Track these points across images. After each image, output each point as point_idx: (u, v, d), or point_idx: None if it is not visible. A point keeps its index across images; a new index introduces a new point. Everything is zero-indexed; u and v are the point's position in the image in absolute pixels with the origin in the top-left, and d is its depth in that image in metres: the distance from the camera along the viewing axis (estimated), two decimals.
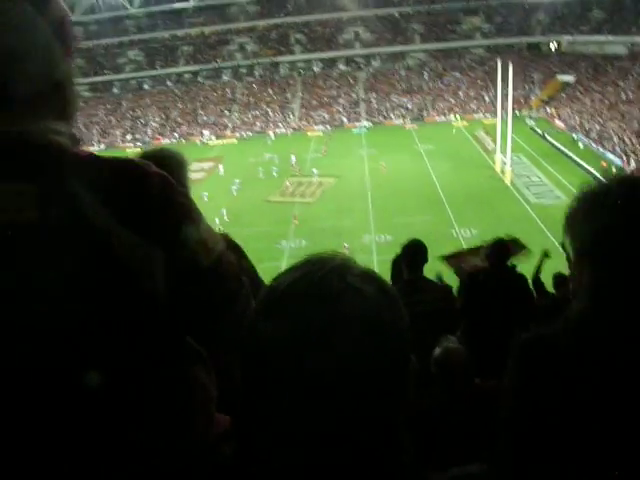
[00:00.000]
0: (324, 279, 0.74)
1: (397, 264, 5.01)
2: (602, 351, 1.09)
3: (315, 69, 63.94)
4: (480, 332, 4.05)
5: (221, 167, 42.81)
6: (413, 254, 4.55)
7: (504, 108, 37.40)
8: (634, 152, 36.98)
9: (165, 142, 55.56)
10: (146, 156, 1.99)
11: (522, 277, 4.82)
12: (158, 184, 1.05)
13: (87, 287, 0.92)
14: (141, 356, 1.00)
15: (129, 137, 57.23)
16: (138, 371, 0.99)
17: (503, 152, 36.31)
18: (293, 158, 42.06)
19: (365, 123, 53.86)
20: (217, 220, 31.20)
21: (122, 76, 65.49)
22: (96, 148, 55.77)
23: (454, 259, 6.44)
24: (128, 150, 54.06)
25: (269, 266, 26.26)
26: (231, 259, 1.17)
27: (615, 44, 54.04)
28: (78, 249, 0.93)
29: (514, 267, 4.87)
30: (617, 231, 1.14)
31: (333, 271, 0.76)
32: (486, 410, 2.33)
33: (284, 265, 25.77)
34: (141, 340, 0.99)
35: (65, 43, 1.09)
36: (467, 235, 26.94)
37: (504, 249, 4.70)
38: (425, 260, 4.53)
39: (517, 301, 4.37)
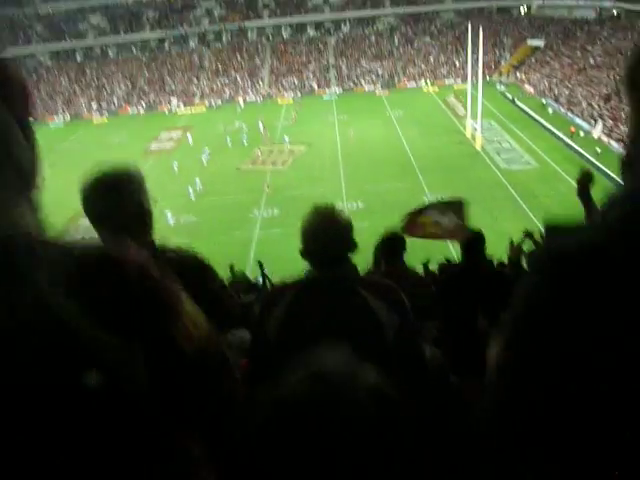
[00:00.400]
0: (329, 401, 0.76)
1: (376, 254, 5.06)
2: None
3: (284, 34, 62.88)
4: (455, 327, 4.00)
5: (190, 136, 42.13)
6: (389, 246, 4.67)
7: (474, 73, 37.37)
8: (601, 116, 37.37)
9: (133, 111, 54.45)
10: (104, 181, 2.02)
11: (503, 275, 4.49)
12: (135, 276, 0.95)
13: (55, 394, 0.83)
14: (130, 464, 0.89)
15: (95, 106, 55.83)
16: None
17: (474, 118, 36.38)
18: (261, 125, 41.63)
19: (335, 89, 53.37)
20: (190, 189, 30.89)
21: (85, 43, 63.58)
22: (60, 118, 54.50)
23: (411, 227, 6.27)
24: (95, 120, 52.94)
25: (242, 235, 26.34)
26: (214, 339, 1.08)
27: (584, 8, 54.19)
28: (44, 349, 0.84)
29: (491, 262, 4.62)
30: None
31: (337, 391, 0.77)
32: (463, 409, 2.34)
33: (256, 234, 25.69)
34: (127, 447, 0.89)
35: (24, 110, 1.00)
36: (439, 199, 27.04)
37: (479, 242, 4.37)
38: (402, 249, 4.63)
39: (496, 301, 4.15)
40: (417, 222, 6.29)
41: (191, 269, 2.02)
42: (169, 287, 1.02)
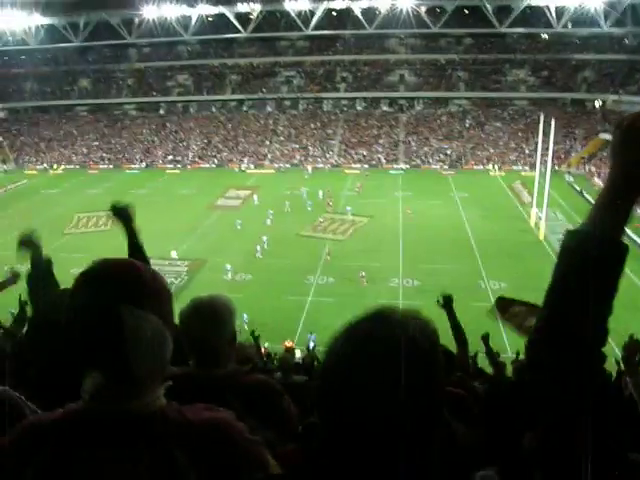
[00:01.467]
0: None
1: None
2: None
3: (358, 108, 64.75)
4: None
5: (256, 197, 43.36)
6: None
7: (543, 162, 37.28)
8: None
9: (204, 166, 56.66)
10: (203, 307, 2.34)
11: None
12: (242, 443, 1.34)
13: None
14: None
15: (170, 158, 58.48)
16: None
17: (539, 206, 36.09)
18: (321, 193, 42.58)
19: (403, 165, 54.16)
20: (258, 247, 31.66)
21: (170, 98, 67.31)
22: (137, 166, 57.20)
23: (506, 310, 6.13)
24: (168, 171, 55.27)
25: (295, 299, 26.49)
26: None
27: None
28: None
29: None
30: None
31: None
32: None
33: (309, 299, 25.88)
34: None
35: (169, 311, 1.37)
36: (495, 287, 26.69)
37: None
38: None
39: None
40: (508, 309, 6.27)
41: (264, 395, 2.31)
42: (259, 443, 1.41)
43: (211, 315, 2.27)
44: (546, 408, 1.02)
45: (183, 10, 59.49)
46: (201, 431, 1.28)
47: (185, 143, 60.96)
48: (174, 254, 30.72)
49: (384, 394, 0.94)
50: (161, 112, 67.64)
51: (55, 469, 1.21)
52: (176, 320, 2.48)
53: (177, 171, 55.88)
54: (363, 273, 27.65)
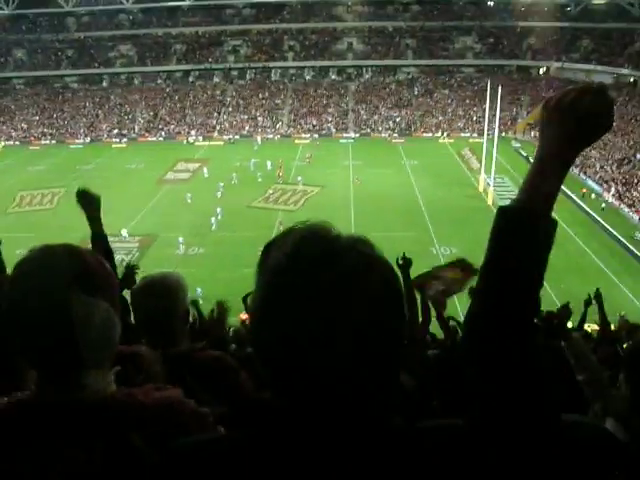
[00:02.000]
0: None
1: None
2: None
3: (307, 77, 64.16)
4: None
5: (206, 169, 42.75)
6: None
7: (491, 129, 37.90)
8: (614, 180, 37.69)
9: (152, 139, 55.38)
10: (155, 286, 2.32)
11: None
12: (193, 420, 1.33)
13: None
14: None
15: (115, 132, 56.88)
16: None
17: (487, 172, 36.76)
18: (269, 164, 42.27)
19: (353, 134, 54.14)
20: (213, 219, 31.44)
21: (112, 70, 65.19)
22: (81, 140, 55.49)
23: (421, 281, 6.19)
24: (113, 145, 53.80)
25: (249, 271, 26.38)
26: None
27: (602, 73, 55.11)
28: None
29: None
30: None
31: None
32: None
33: None
34: None
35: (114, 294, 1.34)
36: (446, 253, 27.20)
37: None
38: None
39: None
40: (427, 283, 6.25)
41: (218, 372, 2.31)
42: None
43: (163, 293, 2.25)
44: (485, 379, 1.00)
45: None
46: (153, 412, 1.26)
47: (131, 116, 59.30)
48: (124, 232, 29.99)
49: (338, 326, 0.83)
50: (104, 84, 65.42)
51: (2, 463, 1.17)
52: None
53: (123, 145, 54.43)
54: (281, 220, 28.45)
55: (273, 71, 64.38)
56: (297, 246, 0.89)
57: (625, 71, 53.63)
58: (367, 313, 0.85)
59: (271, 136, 54.59)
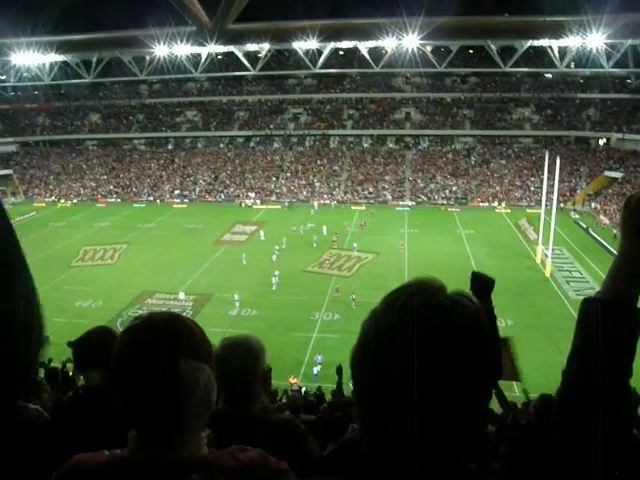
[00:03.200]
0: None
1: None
2: None
3: (364, 145, 65.40)
4: None
5: (262, 232, 43.53)
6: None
7: (549, 199, 37.41)
8: None
9: (211, 200, 57.07)
10: (240, 345, 2.40)
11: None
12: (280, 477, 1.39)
13: None
14: None
15: (177, 192, 58.97)
16: None
17: (545, 243, 36.07)
18: (330, 230, 42.67)
19: (409, 202, 54.39)
20: (273, 280, 32.15)
21: (178, 134, 68.27)
22: (144, 200, 57.71)
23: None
24: (174, 206, 55.62)
25: (301, 336, 26.34)
26: None
27: None
28: None
29: None
30: None
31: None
32: None
33: (314, 336, 25.72)
34: None
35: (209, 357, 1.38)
36: (503, 325, 26.46)
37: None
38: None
39: None
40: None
41: (291, 435, 2.36)
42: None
43: (246, 354, 2.32)
44: (572, 468, 1.06)
45: (194, 49, 60.70)
46: (241, 473, 1.31)
47: (192, 178, 61.53)
48: (182, 295, 30.43)
49: (428, 365, 0.90)
50: (169, 147, 68.51)
51: None
52: None
53: (184, 205, 56.28)
54: (354, 296, 28.35)
55: (332, 138, 65.98)
56: (409, 297, 0.97)
57: None
58: (469, 362, 0.92)
59: (328, 202, 55.41)
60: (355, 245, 39.56)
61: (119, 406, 1.28)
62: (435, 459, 0.92)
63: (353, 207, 53.48)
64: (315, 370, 22.42)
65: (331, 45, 59.99)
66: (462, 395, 0.92)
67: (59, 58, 62.63)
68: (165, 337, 1.28)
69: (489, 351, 0.96)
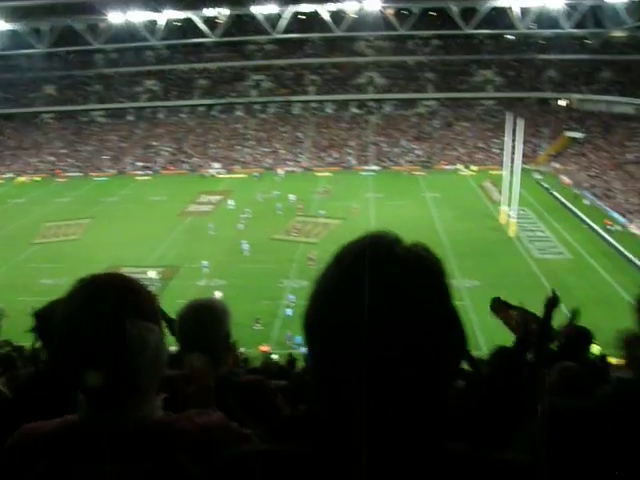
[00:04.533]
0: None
1: None
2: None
3: (328, 110, 64.94)
4: None
5: (229, 201, 43.22)
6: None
7: (512, 160, 37.86)
8: (638, 211, 37.30)
9: (175, 172, 56.24)
10: (201, 307, 2.42)
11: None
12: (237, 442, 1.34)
13: None
14: None
15: (140, 164, 57.91)
16: None
17: (508, 204, 36.63)
18: (296, 197, 42.56)
19: (374, 167, 54.44)
20: (245, 245, 32.41)
21: (137, 104, 66.65)
22: (106, 173, 56.55)
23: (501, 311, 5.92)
24: (137, 178, 54.67)
25: (269, 304, 26.49)
26: None
27: (623, 104, 54.86)
28: None
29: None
30: None
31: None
32: None
33: (284, 304, 25.84)
34: None
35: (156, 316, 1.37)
36: (469, 286, 26.97)
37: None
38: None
39: None
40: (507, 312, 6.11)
41: (260, 394, 2.41)
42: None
43: (208, 314, 2.33)
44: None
45: (149, 15, 58.94)
46: (197, 437, 1.29)
47: (155, 149, 60.42)
48: (151, 274, 29.59)
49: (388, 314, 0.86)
50: (129, 118, 66.91)
51: None
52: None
53: (147, 177, 55.33)
54: (312, 255, 28.32)
55: (294, 105, 65.31)
56: (362, 249, 0.93)
57: None
58: (427, 313, 0.87)
59: (293, 169, 55.11)
60: (321, 211, 39.59)
61: (66, 371, 1.24)
62: (395, 426, 0.86)
63: (318, 173, 53.27)
64: (289, 311, 23.23)
65: (291, 9, 58.96)
66: (422, 352, 0.86)
67: (8, 27, 60.19)
68: (110, 298, 1.25)
69: (447, 303, 0.92)
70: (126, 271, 29.94)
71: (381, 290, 0.86)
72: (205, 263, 29.77)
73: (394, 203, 41.63)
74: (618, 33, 60.23)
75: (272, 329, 24.06)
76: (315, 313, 0.93)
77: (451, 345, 0.91)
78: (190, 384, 1.83)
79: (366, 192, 45.65)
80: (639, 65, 56.89)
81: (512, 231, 35.25)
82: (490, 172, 49.91)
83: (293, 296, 24.19)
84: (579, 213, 39.17)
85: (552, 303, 4.57)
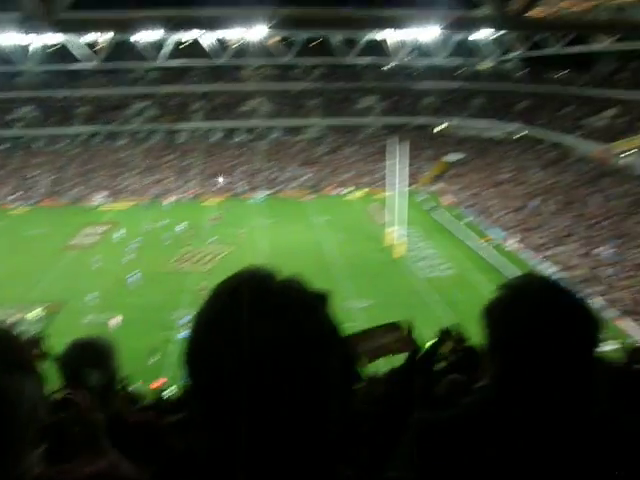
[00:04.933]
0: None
1: None
2: (502, 439, 1.24)
3: (215, 137, 64.57)
4: None
5: (115, 232, 41.66)
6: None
7: (397, 183, 39.34)
8: (514, 227, 39.96)
9: (56, 203, 53.44)
10: (87, 346, 2.39)
11: None
12: None
13: None
14: None
15: (14, 196, 54.31)
16: None
17: (395, 225, 37.93)
18: (184, 226, 41.84)
19: (262, 193, 54.51)
20: (130, 280, 30.93)
21: (12, 132, 62.95)
22: None
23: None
24: (13, 211, 51.31)
25: (161, 336, 25.55)
26: None
27: (494, 130, 59.53)
28: None
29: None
30: (529, 331, 1.27)
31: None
32: None
33: (178, 335, 25.10)
34: None
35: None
36: (361, 306, 27.50)
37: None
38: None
39: None
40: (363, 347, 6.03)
41: (149, 434, 2.34)
42: None
43: (93, 352, 2.30)
44: None
45: (23, 38, 56.03)
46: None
47: (32, 180, 57.21)
48: (35, 311, 27.96)
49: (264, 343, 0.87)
50: (5, 146, 62.78)
51: None
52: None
53: (24, 210, 52.05)
54: (203, 285, 27.17)
55: (181, 133, 64.39)
56: (238, 285, 0.94)
57: (514, 126, 57.84)
58: (304, 347, 0.89)
59: (180, 197, 54.04)
60: (210, 239, 39.16)
61: None
62: (281, 455, 0.88)
63: (207, 201, 52.63)
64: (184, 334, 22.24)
65: (175, 36, 58.36)
66: (302, 381, 0.88)
67: None
68: None
69: (325, 332, 0.94)
70: (2, 312, 28.03)
71: (257, 325, 0.87)
72: (92, 297, 28.54)
73: (284, 229, 41.91)
74: (486, 64, 65.21)
75: (168, 360, 23.27)
76: (194, 349, 0.94)
77: (332, 371, 0.91)
78: (76, 426, 1.73)
79: (256, 218, 45.57)
80: (505, 93, 61.82)
81: (400, 251, 36.46)
82: (376, 195, 51.46)
83: (189, 316, 23.72)
84: (461, 231, 41.27)
85: (445, 336, 4.85)
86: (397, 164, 39.56)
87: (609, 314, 26.19)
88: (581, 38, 49.42)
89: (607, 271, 31.45)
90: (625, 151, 42.75)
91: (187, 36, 58.69)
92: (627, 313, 26.94)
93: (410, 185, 48.51)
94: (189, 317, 22.39)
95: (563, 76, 60.86)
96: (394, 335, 6.25)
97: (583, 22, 27.51)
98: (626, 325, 25.75)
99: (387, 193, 42.59)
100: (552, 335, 1.24)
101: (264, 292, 0.93)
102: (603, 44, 48.91)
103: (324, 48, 62.19)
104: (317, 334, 0.92)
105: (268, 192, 54.78)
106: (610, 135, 45.60)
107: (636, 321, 26.30)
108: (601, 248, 33.92)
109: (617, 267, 31.57)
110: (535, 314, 1.28)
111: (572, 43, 51.39)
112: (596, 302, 28.05)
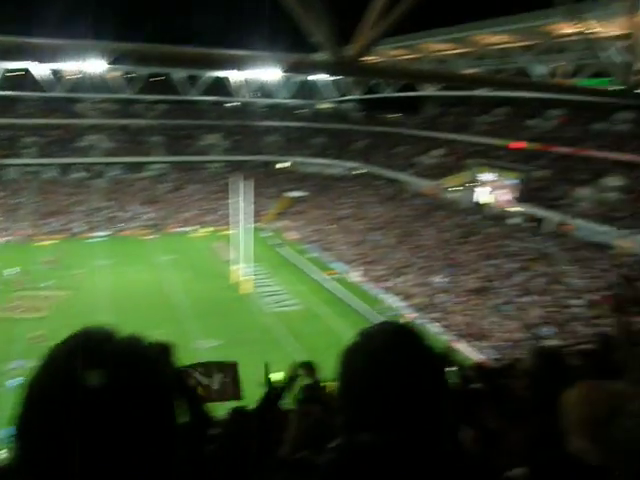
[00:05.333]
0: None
1: None
2: None
3: (49, 174, 60.63)
4: None
5: None
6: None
7: (241, 220, 39.50)
8: (356, 260, 41.67)
9: None
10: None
11: None
12: None
13: None
14: None
15: None
16: None
17: (241, 263, 37.95)
18: (16, 270, 38.54)
19: (102, 233, 51.93)
20: None
21: None
22: None
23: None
24: None
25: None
26: None
27: (334, 167, 62.43)
28: None
29: None
30: (368, 376, 1.26)
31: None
32: None
33: (7, 383, 22.81)
34: None
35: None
36: (209, 346, 26.99)
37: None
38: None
39: None
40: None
41: None
42: None
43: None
44: None
45: None
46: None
47: None
48: None
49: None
50: None
51: None
52: None
53: None
54: (38, 332, 26.01)
55: (10, 168, 59.59)
56: (75, 347, 0.93)
57: (353, 164, 61.06)
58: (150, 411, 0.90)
59: (10, 238, 49.77)
60: (45, 283, 36.46)
61: None
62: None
63: (40, 242, 48.94)
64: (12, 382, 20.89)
65: (1, 64, 54.37)
66: (140, 442, 0.87)
67: None
68: None
69: (164, 384, 0.94)
70: None
71: (94, 389, 0.85)
72: None
73: (126, 269, 40.25)
74: (326, 105, 68.33)
75: None
76: (26, 421, 0.90)
77: (168, 425, 0.93)
78: None
79: (96, 259, 43.19)
80: (344, 133, 65.10)
81: (247, 288, 36.48)
82: (220, 232, 51.10)
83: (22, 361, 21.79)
84: (306, 265, 42.25)
85: (294, 372, 4.99)
86: (241, 201, 39.79)
87: (446, 338, 28.12)
88: (410, 84, 53.46)
89: (442, 297, 33.81)
90: (453, 187, 46.62)
91: (15, 65, 54.97)
92: (461, 336, 29.07)
93: (255, 222, 49.04)
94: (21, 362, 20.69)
95: (396, 118, 65.60)
96: (225, 379, 6.13)
97: (411, 70, 30.03)
98: (462, 347, 27.69)
99: (232, 230, 42.60)
100: (392, 381, 1.24)
101: (101, 355, 0.91)
102: (428, 91, 53.42)
103: (167, 84, 61.50)
104: (158, 390, 0.93)
105: (108, 232, 52.31)
106: (439, 172, 49.64)
107: (469, 342, 28.43)
108: (436, 277, 36.44)
109: (450, 294, 34.06)
110: (371, 361, 1.28)
111: (403, 89, 55.60)
112: (434, 328, 30.07)
